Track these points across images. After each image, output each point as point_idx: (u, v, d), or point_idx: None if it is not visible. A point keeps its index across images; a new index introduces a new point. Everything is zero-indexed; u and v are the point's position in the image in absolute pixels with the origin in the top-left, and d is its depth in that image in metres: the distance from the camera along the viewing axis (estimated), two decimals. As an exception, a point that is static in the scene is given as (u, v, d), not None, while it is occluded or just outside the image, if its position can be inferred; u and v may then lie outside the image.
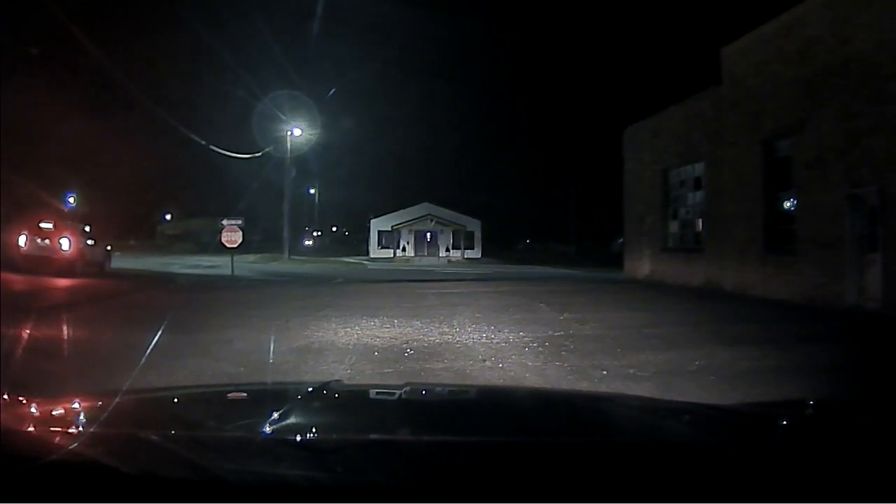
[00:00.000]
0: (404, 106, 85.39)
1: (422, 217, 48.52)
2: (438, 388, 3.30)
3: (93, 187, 35.25)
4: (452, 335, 8.00)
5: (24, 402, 1.60)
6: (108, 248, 21.18)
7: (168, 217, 66.31)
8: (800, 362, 6.72)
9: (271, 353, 6.65)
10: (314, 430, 1.55)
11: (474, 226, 50.18)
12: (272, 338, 7.46)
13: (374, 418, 1.82)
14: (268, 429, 1.43)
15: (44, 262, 16.54)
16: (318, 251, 55.18)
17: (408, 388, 2.08)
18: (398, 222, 48.58)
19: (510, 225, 63.75)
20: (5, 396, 1.58)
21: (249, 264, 29.12)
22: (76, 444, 1.17)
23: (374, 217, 51.27)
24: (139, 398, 1.95)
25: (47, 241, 17.26)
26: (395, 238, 47.87)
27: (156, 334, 6.21)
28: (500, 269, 34.49)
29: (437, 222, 48.48)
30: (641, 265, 20.10)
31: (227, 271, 20.24)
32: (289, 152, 37.14)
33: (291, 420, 1.51)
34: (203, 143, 30.70)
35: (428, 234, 49.24)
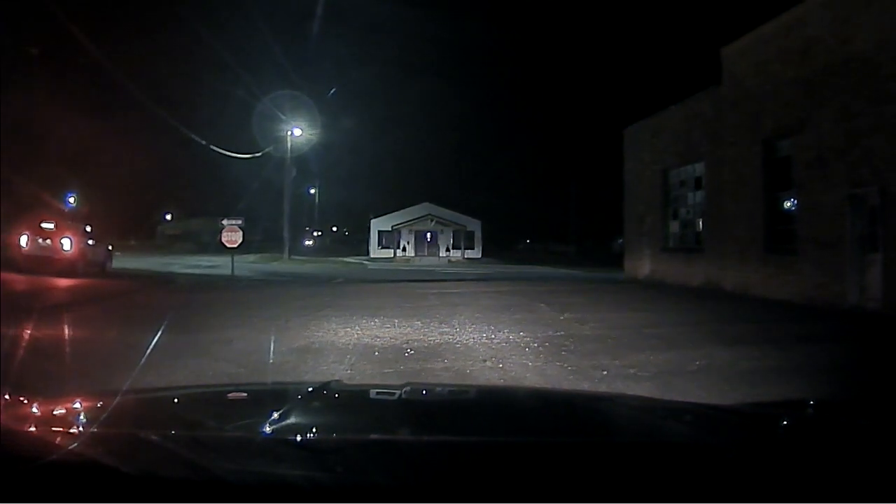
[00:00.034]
0: (404, 106, 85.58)
1: (422, 217, 48.54)
2: (438, 388, 3.29)
3: (93, 187, 35.30)
4: (453, 335, 8.00)
5: (25, 402, 1.60)
6: (110, 248, 21.21)
7: (168, 217, 66.34)
8: (800, 362, 6.72)
9: (271, 354, 6.65)
10: (314, 430, 1.55)
11: (474, 226, 50.18)
12: (272, 338, 7.46)
13: (374, 418, 1.82)
14: (268, 429, 1.43)
15: (45, 263, 16.55)
16: (319, 251, 55.18)
17: (408, 388, 2.08)
18: (398, 222, 48.58)
19: (510, 225, 63.84)
20: (6, 396, 1.58)
21: (249, 264, 29.12)
22: (76, 444, 1.17)
23: (375, 217, 51.28)
24: (139, 398, 1.95)
25: (49, 242, 17.27)
26: (395, 238, 47.87)
27: (156, 334, 6.21)
28: (500, 269, 34.49)
29: (437, 222, 48.49)
30: (642, 265, 20.10)
31: (227, 271, 20.23)
32: (289, 152, 37.15)
33: (291, 420, 1.51)
34: (203, 143, 30.72)
35: (428, 234, 49.26)
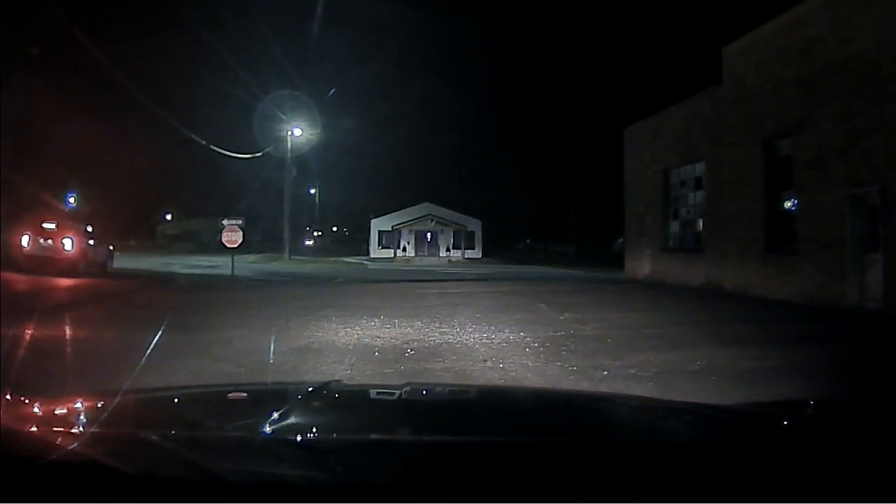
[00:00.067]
0: (404, 106, 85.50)
1: (422, 217, 48.54)
2: (439, 388, 3.30)
3: (93, 187, 35.29)
4: (453, 335, 8.00)
5: (25, 401, 1.60)
6: (111, 248, 21.24)
7: (168, 217, 66.35)
8: (800, 362, 6.72)
9: (271, 354, 6.65)
10: (314, 430, 1.55)
11: (475, 226, 50.19)
12: (272, 338, 7.46)
13: (374, 418, 1.82)
14: (268, 429, 1.43)
15: (46, 263, 16.57)
16: (319, 251, 55.19)
17: (408, 388, 2.08)
18: (399, 222, 48.59)
19: (510, 225, 63.78)
20: (7, 396, 1.58)
21: (250, 264, 29.13)
22: (76, 444, 1.17)
23: (375, 217, 51.29)
24: (139, 398, 1.95)
25: (50, 242, 17.30)
26: (395, 238, 47.87)
27: (156, 334, 6.21)
28: (500, 269, 34.50)
29: (437, 222, 48.49)
30: (642, 265, 20.10)
31: (228, 271, 20.24)
32: (289, 152, 37.16)
33: (291, 420, 1.51)
34: (203, 142, 30.74)
35: (428, 234, 49.26)
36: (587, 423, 1.80)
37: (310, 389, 1.95)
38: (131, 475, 1.07)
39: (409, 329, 8.45)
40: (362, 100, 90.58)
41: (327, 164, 54.99)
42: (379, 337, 7.83)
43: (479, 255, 48.51)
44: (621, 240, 25.27)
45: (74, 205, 31.66)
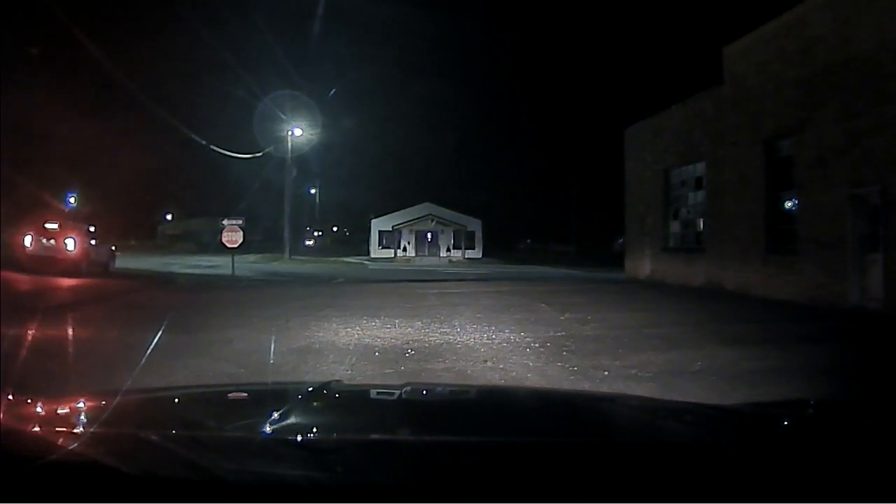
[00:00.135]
0: (404, 106, 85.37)
1: (422, 217, 48.54)
2: (439, 388, 3.29)
3: (93, 187, 35.34)
4: (453, 335, 8.00)
5: (25, 401, 1.60)
6: (113, 248, 21.30)
7: (169, 217, 66.37)
8: (801, 362, 6.72)
9: (272, 354, 6.65)
10: (314, 430, 1.55)
11: (475, 226, 50.18)
12: (272, 338, 7.46)
13: (374, 418, 1.82)
14: (268, 429, 1.43)
15: (49, 263, 16.62)
16: (319, 251, 55.19)
17: (408, 388, 2.07)
18: (399, 222, 48.58)
19: (511, 225, 63.74)
20: (9, 396, 1.58)
21: (250, 264, 29.14)
22: (76, 444, 1.17)
23: (375, 217, 51.29)
24: (139, 398, 1.95)
25: (52, 242, 17.35)
26: (395, 238, 47.87)
27: (156, 334, 6.22)
28: (500, 269, 34.50)
29: (437, 222, 48.49)
30: (642, 265, 20.09)
31: (228, 271, 20.24)
32: (289, 152, 37.16)
33: (291, 420, 1.51)
34: (204, 143, 30.76)
35: (429, 234, 49.26)
36: (587, 423, 1.80)
37: (310, 389, 1.95)
38: (132, 475, 1.07)
39: (409, 329, 8.45)
40: (362, 100, 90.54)
41: (327, 164, 55.01)
42: (379, 337, 7.83)
43: (480, 255, 48.49)
44: (622, 240, 25.27)
45: (74, 205, 31.71)
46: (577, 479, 1.16)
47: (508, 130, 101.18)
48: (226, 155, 32.64)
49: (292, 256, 37.48)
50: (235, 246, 19.84)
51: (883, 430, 1.58)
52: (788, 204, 13.89)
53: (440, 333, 8.14)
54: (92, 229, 19.10)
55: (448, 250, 48.24)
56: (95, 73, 36.87)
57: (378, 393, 2.41)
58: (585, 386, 5.47)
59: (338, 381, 2.90)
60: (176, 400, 2.03)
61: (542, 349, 7.07)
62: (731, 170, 15.45)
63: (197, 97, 55.70)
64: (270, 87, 38.25)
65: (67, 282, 15.05)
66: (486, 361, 6.42)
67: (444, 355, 6.74)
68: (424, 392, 2.42)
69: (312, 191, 66.67)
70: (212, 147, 31.21)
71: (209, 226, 41.98)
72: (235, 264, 20.17)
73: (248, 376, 5.65)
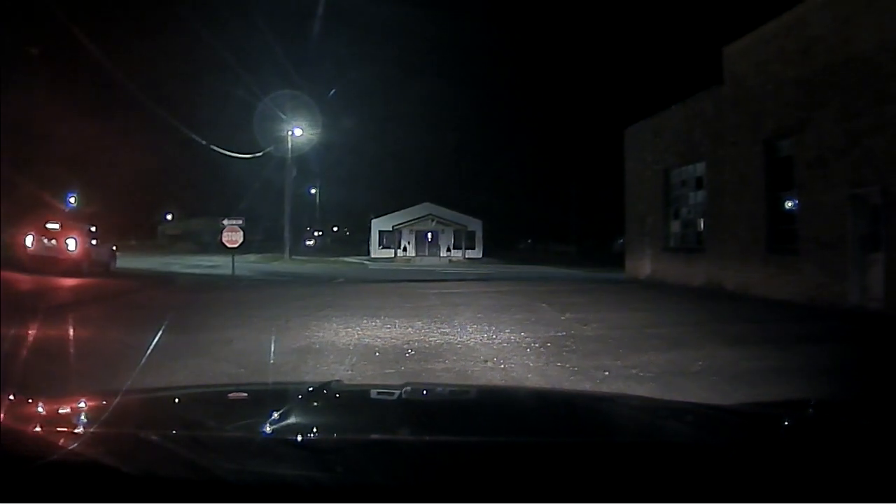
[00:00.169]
0: (404, 106, 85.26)
1: (423, 217, 48.54)
2: (439, 388, 3.29)
3: (93, 187, 35.31)
4: (454, 335, 8.00)
5: (27, 401, 1.60)
6: (114, 248, 21.32)
7: (169, 217, 66.35)
8: (801, 362, 6.72)
9: (272, 354, 6.65)
10: (314, 430, 1.55)
11: (475, 226, 50.18)
12: (273, 338, 7.46)
13: (374, 418, 1.82)
14: (268, 429, 1.43)
15: (50, 262, 16.64)
16: (320, 251, 55.21)
17: (408, 388, 2.07)
18: (399, 222, 48.58)
19: (511, 225, 63.73)
20: (11, 397, 1.58)
21: (250, 264, 29.14)
22: (77, 444, 1.17)
23: (375, 217, 51.28)
24: (140, 398, 1.95)
25: (54, 242, 17.37)
26: (396, 238, 47.87)
27: (157, 334, 6.21)
28: (501, 269, 34.49)
29: (438, 222, 48.48)
30: (643, 265, 20.09)
31: (228, 271, 20.24)
32: (290, 152, 37.16)
33: (291, 420, 1.51)
34: (204, 142, 30.77)
35: (429, 234, 49.25)
36: (587, 423, 1.80)
37: (310, 389, 1.95)
38: (132, 475, 1.07)
39: (409, 329, 8.45)
40: (362, 100, 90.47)
41: (328, 164, 54.96)
42: (379, 337, 7.83)
43: (480, 255, 48.49)
44: (622, 240, 25.26)
45: (75, 205, 31.68)
46: (578, 479, 1.16)
47: (508, 130, 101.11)
48: (226, 155, 32.68)
49: (292, 256, 37.49)
50: (235, 246, 19.84)
51: (883, 430, 1.58)
52: (789, 204, 13.88)
53: (440, 333, 8.14)
54: (93, 229, 19.12)
55: (448, 250, 48.22)
56: (95, 73, 36.92)
57: (378, 393, 2.40)
58: (586, 386, 5.47)
59: (338, 381, 2.90)
60: (176, 400, 2.03)
61: (542, 349, 7.07)
62: (732, 170, 15.45)
63: (197, 97, 55.74)
64: (270, 86, 38.27)
65: (68, 282, 15.07)
66: (486, 361, 6.42)
67: (445, 355, 6.74)
68: (424, 392, 2.42)
69: (312, 191, 66.67)
70: (212, 147, 31.25)
71: (209, 226, 41.96)
72: (235, 264, 20.17)
73: (249, 376, 5.65)
